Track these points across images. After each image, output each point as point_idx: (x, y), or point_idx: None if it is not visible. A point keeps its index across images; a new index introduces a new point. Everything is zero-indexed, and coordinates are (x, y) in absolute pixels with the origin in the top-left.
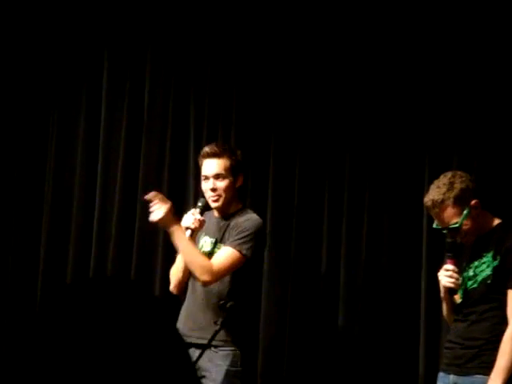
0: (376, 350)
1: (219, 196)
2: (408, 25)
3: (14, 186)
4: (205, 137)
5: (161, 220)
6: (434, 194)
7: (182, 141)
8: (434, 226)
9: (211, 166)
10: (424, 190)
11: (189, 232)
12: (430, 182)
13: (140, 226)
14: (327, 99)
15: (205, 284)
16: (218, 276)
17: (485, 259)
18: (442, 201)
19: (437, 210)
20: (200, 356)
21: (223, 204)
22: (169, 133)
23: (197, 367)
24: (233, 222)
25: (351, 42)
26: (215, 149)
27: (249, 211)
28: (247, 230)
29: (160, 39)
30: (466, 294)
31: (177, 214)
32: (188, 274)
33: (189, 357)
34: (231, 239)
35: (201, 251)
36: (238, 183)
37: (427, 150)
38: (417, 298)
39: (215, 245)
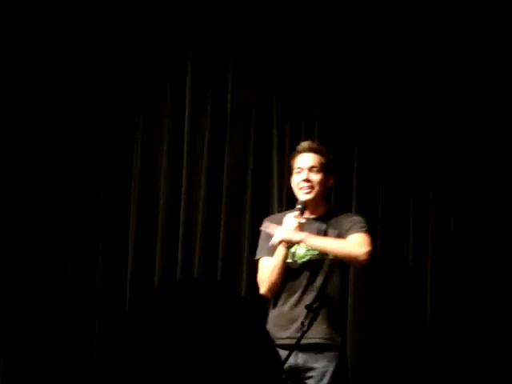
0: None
1: (312, 188)
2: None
3: (100, 184)
4: (288, 139)
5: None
6: None
7: (265, 143)
8: None
9: (307, 159)
10: None
11: None
12: None
13: (225, 228)
14: (408, 96)
15: (367, 259)
16: (370, 249)
17: None
18: None
19: None
20: (288, 356)
21: (314, 198)
22: (252, 135)
23: (300, 367)
24: (334, 221)
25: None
26: (313, 145)
27: (340, 210)
28: (360, 221)
29: (243, 39)
30: None
31: (261, 215)
32: (283, 276)
33: (278, 357)
34: (352, 229)
35: (295, 253)
36: (329, 183)
37: None
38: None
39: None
